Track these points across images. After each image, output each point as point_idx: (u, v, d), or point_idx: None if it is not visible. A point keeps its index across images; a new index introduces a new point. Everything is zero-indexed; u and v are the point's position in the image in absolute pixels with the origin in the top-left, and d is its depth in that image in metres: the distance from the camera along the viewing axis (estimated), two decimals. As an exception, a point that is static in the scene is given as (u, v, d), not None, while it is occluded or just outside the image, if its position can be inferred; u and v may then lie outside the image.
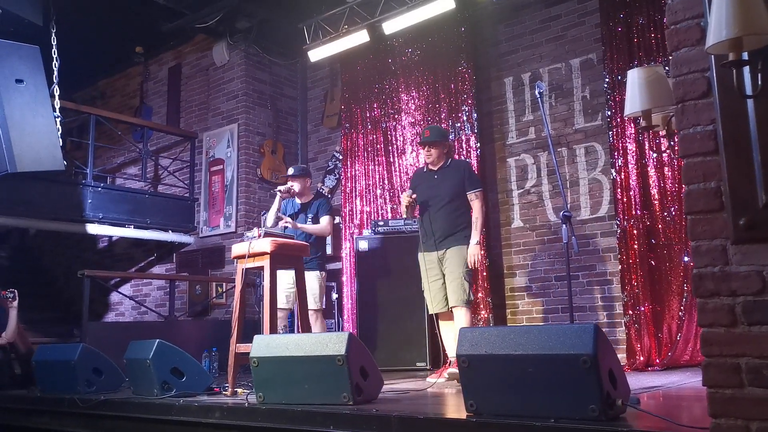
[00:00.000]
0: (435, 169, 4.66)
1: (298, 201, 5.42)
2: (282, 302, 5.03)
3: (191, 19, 7.25)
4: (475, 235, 4.45)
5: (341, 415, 2.89)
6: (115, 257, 8.63)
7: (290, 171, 5.47)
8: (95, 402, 4.08)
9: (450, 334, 4.49)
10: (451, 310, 4.47)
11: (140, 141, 8.12)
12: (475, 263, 4.42)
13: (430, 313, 4.74)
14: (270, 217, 5.26)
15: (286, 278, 5.14)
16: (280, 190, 5.29)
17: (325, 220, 5.29)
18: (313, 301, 5.06)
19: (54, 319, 8.09)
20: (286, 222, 5.12)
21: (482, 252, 4.65)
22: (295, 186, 5.31)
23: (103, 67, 8.89)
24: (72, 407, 4.18)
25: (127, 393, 4.28)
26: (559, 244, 5.74)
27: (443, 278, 4.50)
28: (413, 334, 5.67)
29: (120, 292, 8.23)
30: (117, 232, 7.36)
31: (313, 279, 5.11)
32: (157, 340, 4.11)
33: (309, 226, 5.25)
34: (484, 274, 6.05)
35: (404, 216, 5.01)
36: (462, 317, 4.39)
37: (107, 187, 7.66)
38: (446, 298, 4.48)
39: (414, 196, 4.64)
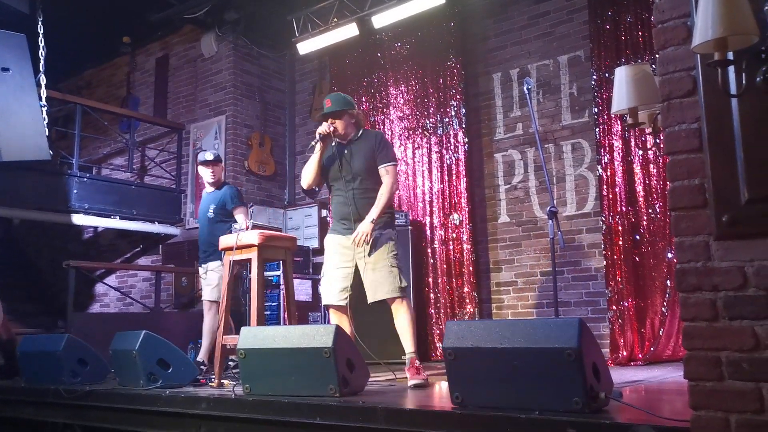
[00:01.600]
0: (344, 143, 4.02)
1: (208, 190, 5.19)
2: (212, 295, 5.00)
3: (179, 10, 7.21)
4: (374, 212, 3.80)
5: (328, 407, 2.91)
6: (101, 248, 8.58)
7: (208, 156, 5.13)
8: (80, 393, 4.06)
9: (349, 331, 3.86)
10: (381, 303, 3.85)
11: (127, 132, 8.07)
12: (359, 242, 3.77)
13: (323, 304, 4.05)
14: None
15: (201, 272, 5.16)
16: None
17: (242, 212, 5.04)
18: (209, 293, 4.99)
19: (38, 310, 8.04)
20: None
21: (366, 235, 3.77)
22: (210, 176, 5.11)
23: (89, 56, 8.81)
24: (57, 398, 4.15)
25: (112, 384, 4.26)
26: (545, 240, 5.80)
27: (353, 267, 3.87)
28: (399, 327, 5.68)
29: (105, 283, 8.18)
30: (102, 222, 7.32)
31: (218, 269, 4.91)
32: (143, 331, 4.09)
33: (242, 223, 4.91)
34: (471, 268, 6.10)
35: (309, 170, 4.06)
36: (401, 310, 3.80)
37: (93, 177, 7.61)
38: (347, 290, 3.85)
39: (333, 128, 3.95)
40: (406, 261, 5.63)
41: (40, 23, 6.25)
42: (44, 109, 6.05)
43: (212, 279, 5.01)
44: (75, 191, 6.89)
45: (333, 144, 4.05)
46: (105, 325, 6.08)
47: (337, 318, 3.91)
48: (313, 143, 4.02)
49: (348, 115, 4.01)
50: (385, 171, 3.91)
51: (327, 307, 4.01)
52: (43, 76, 6.16)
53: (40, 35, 6.23)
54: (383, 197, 3.85)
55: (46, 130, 5.98)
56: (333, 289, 3.89)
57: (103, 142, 8.66)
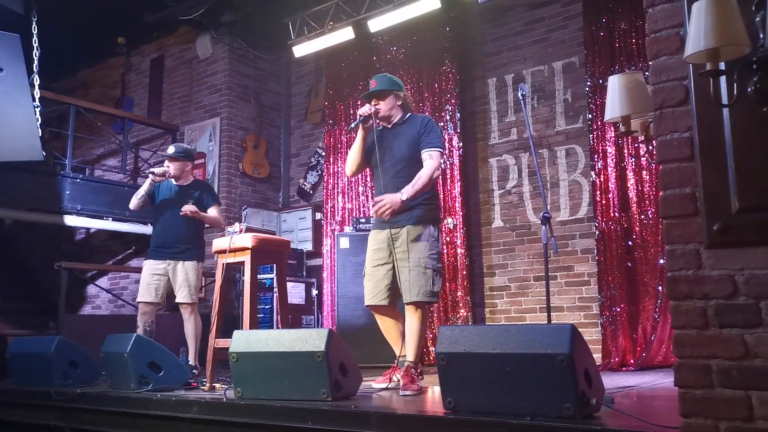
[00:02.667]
0: (389, 126, 3.77)
1: (174, 183, 5.08)
2: (150, 296, 4.88)
3: (175, 11, 7.20)
4: (408, 189, 3.51)
5: (320, 411, 2.91)
6: (93, 249, 8.55)
7: (170, 150, 5.09)
8: (71, 395, 4.04)
9: (394, 334, 3.77)
10: (392, 306, 3.67)
11: (120, 132, 8.04)
12: (379, 212, 3.49)
13: (365, 305, 3.80)
14: (134, 199, 4.99)
15: (152, 269, 4.94)
16: (153, 173, 4.93)
17: (215, 210, 5.02)
18: (188, 294, 4.87)
19: (30, 311, 7.98)
20: (190, 211, 4.78)
21: (389, 208, 3.48)
22: (172, 168, 4.98)
23: (84, 57, 8.78)
24: (47, 400, 4.13)
25: (103, 387, 4.25)
26: (538, 245, 5.81)
27: (392, 264, 3.61)
28: (392, 331, 5.68)
29: (97, 285, 8.15)
30: (95, 224, 7.29)
31: (190, 269, 4.90)
32: (135, 334, 4.08)
33: (209, 216, 4.96)
34: (464, 273, 6.10)
35: (352, 160, 3.83)
36: (417, 317, 3.54)
37: (86, 178, 7.58)
38: (389, 290, 3.64)
39: (375, 109, 3.68)
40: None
41: (34, 24, 6.23)
42: (37, 110, 6.03)
43: (193, 279, 4.90)
44: (68, 192, 6.87)
45: (379, 128, 3.74)
46: (96, 327, 6.05)
47: (378, 319, 3.76)
48: (352, 125, 3.78)
49: (394, 95, 3.74)
50: (428, 155, 3.60)
51: (369, 308, 3.79)
52: (36, 76, 6.14)
53: (35, 36, 6.21)
54: (422, 179, 3.54)
55: (40, 130, 5.95)
56: (369, 287, 3.69)
57: (97, 143, 8.63)
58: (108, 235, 8.09)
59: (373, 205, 3.56)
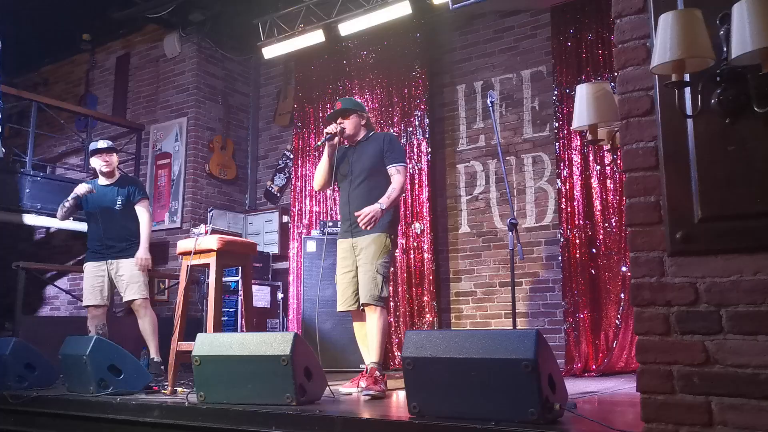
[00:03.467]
0: (353, 144, 4.04)
1: (100, 183, 4.99)
2: (95, 299, 4.82)
3: (143, 9, 7.09)
4: (384, 200, 3.73)
5: (284, 416, 2.88)
6: (53, 249, 8.34)
7: (104, 144, 5.00)
8: (27, 398, 3.93)
9: (362, 338, 3.96)
10: (363, 309, 3.85)
11: (83, 131, 7.87)
12: (364, 222, 3.67)
13: (337, 311, 4.04)
14: (60, 211, 4.92)
15: (93, 271, 4.86)
16: (77, 194, 4.82)
17: (142, 207, 4.95)
18: (138, 290, 4.76)
19: (-16, 312, 7.76)
20: (142, 267, 4.76)
21: (372, 217, 3.68)
22: (104, 166, 4.94)
23: (47, 52, 8.58)
24: (2, 404, 4.01)
25: (61, 390, 4.14)
26: (504, 251, 5.86)
27: (355, 270, 3.87)
28: (358, 335, 5.66)
29: (56, 286, 7.95)
30: (55, 223, 7.10)
31: (134, 265, 4.80)
32: (95, 336, 3.99)
33: (146, 232, 4.89)
34: (431, 278, 6.12)
35: (319, 176, 4.07)
36: (373, 318, 3.74)
37: (47, 176, 7.40)
38: (355, 295, 3.86)
39: (340, 128, 3.95)
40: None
41: (-4, 17, 6.07)
42: (-3, 105, 5.88)
43: (139, 274, 4.78)
44: (27, 190, 6.70)
45: (344, 146, 4.06)
46: (55, 329, 5.89)
47: (354, 325, 3.99)
48: (320, 142, 4.02)
49: (357, 115, 4.02)
50: (395, 170, 3.87)
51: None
52: (-3, 70, 5.99)
53: (-4, 29, 6.05)
54: (395, 190, 3.81)
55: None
56: (343, 295, 3.92)
57: (59, 141, 8.44)
58: (68, 235, 7.90)
59: (358, 218, 3.71)
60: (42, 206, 6.79)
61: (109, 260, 4.84)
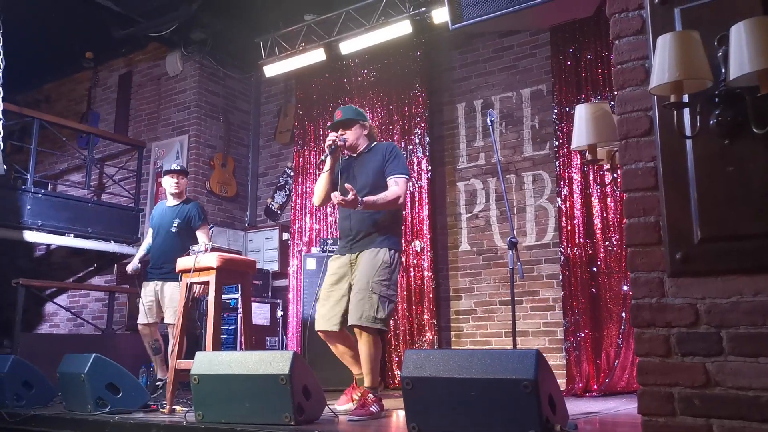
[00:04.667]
0: (354, 155, 3.86)
1: (167, 204, 5.09)
2: (143, 318, 4.92)
3: (145, 27, 7.14)
4: (368, 199, 3.54)
5: (282, 436, 2.86)
6: (53, 266, 8.33)
7: (174, 166, 5.11)
8: (24, 417, 3.90)
9: (348, 358, 3.74)
10: (349, 331, 3.61)
11: (85, 148, 7.90)
12: (336, 201, 3.48)
13: (316, 329, 3.74)
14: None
15: (146, 290, 4.95)
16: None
17: (202, 233, 4.99)
18: (173, 314, 4.72)
19: (-17, 329, 7.73)
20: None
21: (343, 201, 3.44)
22: (174, 187, 5.05)
23: (50, 70, 8.63)
24: (-1, 422, 3.99)
25: (58, 408, 4.11)
26: (504, 269, 5.84)
27: (347, 289, 3.62)
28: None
29: (56, 303, 7.93)
30: (56, 240, 7.11)
31: (175, 289, 4.78)
32: (93, 354, 3.96)
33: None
34: (431, 296, 6.10)
35: (318, 194, 3.86)
36: (364, 340, 3.49)
37: (48, 193, 7.41)
38: (343, 315, 3.60)
39: (340, 139, 3.76)
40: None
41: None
42: (0, 122, 5.90)
43: (177, 299, 4.76)
44: (29, 207, 6.69)
45: (345, 157, 3.88)
46: (54, 347, 5.88)
47: (331, 346, 3.74)
48: (323, 157, 3.79)
49: (359, 125, 3.83)
50: (394, 182, 3.65)
51: (319, 333, 3.74)
52: (0, 88, 6.01)
53: (-1, 47, 6.09)
54: (387, 197, 3.58)
55: (1, 143, 5.82)
56: (322, 312, 3.68)
57: (60, 158, 8.46)
58: (68, 251, 7.89)
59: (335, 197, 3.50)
60: (43, 223, 6.79)
61: (156, 281, 4.97)
